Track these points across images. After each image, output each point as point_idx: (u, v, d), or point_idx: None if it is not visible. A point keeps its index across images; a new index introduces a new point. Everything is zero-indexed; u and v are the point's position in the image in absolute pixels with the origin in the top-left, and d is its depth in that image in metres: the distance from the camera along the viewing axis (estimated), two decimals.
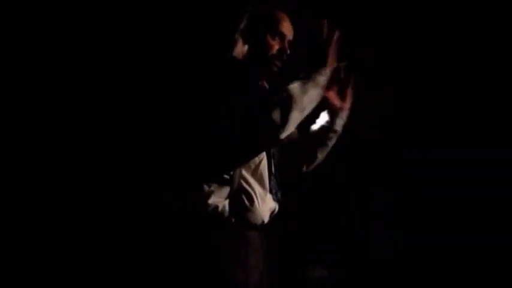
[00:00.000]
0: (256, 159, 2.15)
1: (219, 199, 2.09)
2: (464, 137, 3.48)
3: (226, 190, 2.10)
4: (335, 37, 2.12)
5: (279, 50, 2.22)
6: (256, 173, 2.15)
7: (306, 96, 2.03)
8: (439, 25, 3.52)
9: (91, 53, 3.30)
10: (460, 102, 3.51)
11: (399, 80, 3.59)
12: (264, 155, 2.19)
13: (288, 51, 2.23)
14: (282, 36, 2.24)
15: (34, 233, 3.15)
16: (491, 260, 3.34)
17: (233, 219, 2.11)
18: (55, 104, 3.27)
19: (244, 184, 2.12)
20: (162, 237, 2.14)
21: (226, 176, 2.09)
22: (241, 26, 2.25)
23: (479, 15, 3.46)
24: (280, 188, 2.24)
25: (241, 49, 2.23)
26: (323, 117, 2.39)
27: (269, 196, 2.20)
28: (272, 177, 2.23)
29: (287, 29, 2.26)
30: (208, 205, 2.08)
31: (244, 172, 2.12)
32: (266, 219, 2.19)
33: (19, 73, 3.24)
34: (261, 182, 2.16)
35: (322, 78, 2.08)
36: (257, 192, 2.14)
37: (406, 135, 3.57)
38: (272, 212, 2.23)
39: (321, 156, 2.39)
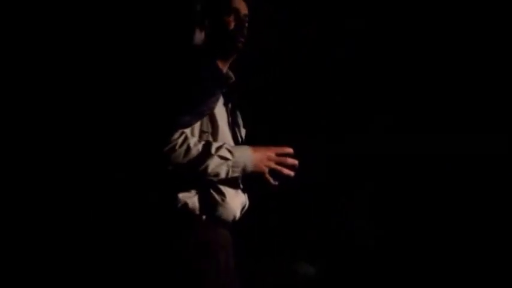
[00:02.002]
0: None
1: (189, 194, 2.04)
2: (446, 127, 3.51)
3: (195, 185, 2.04)
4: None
5: (236, 25, 2.20)
6: None
7: None
8: None
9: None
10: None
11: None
12: (229, 142, 2.17)
13: (246, 25, 2.23)
14: (236, 11, 2.22)
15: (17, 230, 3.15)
16: (472, 251, 3.35)
17: (204, 217, 2.05)
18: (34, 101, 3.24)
19: None
20: (133, 236, 2.09)
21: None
22: (195, 14, 2.23)
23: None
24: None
25: (199, 36, 2.20)
26: None
27: (239, 191, 2.15)
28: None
29: (239, 3, 2.24)
30: (178, 201, 2.02)
31: None
32: (238, 214, 2.15)
33: None
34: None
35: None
36: (227, 186, 2.09)
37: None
38: (243, 208, 2.19)
39: None
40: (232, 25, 2.20)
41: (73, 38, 3.22)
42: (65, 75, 3.23)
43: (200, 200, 2.05)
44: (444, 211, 3.46)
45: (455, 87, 3.55)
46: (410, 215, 3.48)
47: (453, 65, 3.53)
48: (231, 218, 2.13)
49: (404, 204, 3.50)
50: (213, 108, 2.12)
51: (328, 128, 3.66)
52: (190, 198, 2.04)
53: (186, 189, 2.04)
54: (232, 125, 2.25)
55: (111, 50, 3.20)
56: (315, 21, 3.65)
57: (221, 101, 2.20)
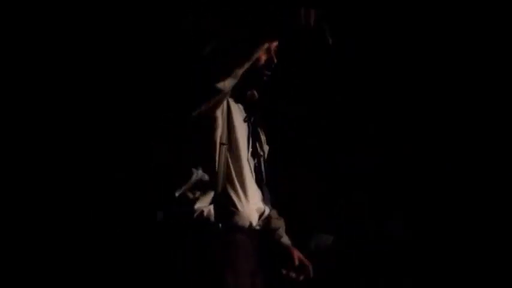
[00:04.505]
0: (241, 161, 2.14)
1: (204, 204, 2.08)
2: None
3: (210, 195, 2.08)
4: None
5: (266, 60, 2.19)
6: (240, 175, 2.13)
7: None
8: None
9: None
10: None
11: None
12: (245, 155, 2.18)
13: (275, 60, 2.21)
14: (267, 47, 2.14)
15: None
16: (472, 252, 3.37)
17: (220, 225, 2.08)
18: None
19: (228, 187, 2.10)
20: (151, 246, 2.13)
21: (207, 179, 2.07)
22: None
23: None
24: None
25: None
26: None
27: (257, 197, 2.19)
28: (264, 185, 2.25)
29: None
30: (194, 211, 2.06)
31: (227, 175, 2.10)
32: (254, 221, 2.16)
33: None
34: (244, 183, 2.13)
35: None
36: (240, 195, 2.12)
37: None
38: (261, 214, 2.21)
39: None
40: (261, 60, 2.18)
41: (80, 39, 3.20)
42: (68, 76, 3.21)
43: (215, 209, 2.09)
44: (445, 212, 3.47)
45: (455, 88, 3.56)
46: (411, 216, 3.49)
47: (454, 65, 3.54)
48: (247, 224, 2.15)
49: (404, 206, 3.51)
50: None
51: (328, 128, 3.66)
52: (206, 207, 2.08)
53: (202, 200, 2.08)
54: (253, 141, 2.26)
55: (116, 50, 3.20)
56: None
57: (242, 115, 2.23)
